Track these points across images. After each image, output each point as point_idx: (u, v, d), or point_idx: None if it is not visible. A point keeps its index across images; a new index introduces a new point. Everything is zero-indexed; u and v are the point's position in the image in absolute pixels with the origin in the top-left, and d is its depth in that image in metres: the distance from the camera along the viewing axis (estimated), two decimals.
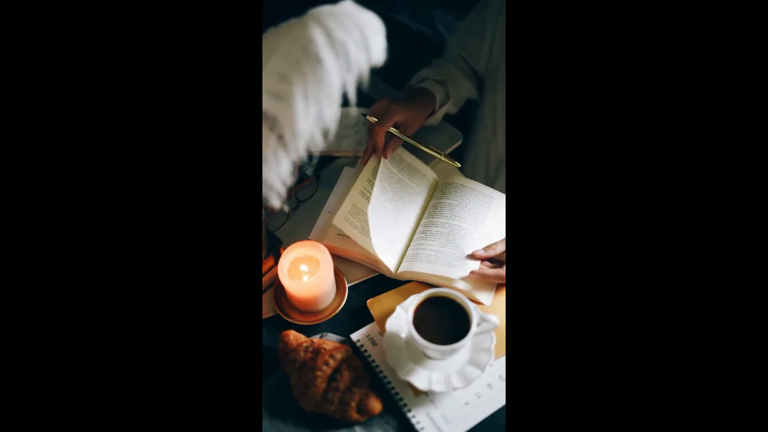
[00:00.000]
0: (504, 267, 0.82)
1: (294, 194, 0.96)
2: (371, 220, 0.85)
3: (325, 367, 0.71)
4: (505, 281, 0.82)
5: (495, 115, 1.09)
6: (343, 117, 1.06)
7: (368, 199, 0.89)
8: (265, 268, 0.84)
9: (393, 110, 0.91)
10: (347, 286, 0.86)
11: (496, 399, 0.73)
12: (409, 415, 0.72)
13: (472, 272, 0.82)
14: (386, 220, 0.89)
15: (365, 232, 0.87)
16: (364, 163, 0.94)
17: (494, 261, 0.84)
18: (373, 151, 0.94)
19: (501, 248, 0.83)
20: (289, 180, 0.58)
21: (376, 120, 0.92)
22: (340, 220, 0.86)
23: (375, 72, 0.55)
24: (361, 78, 0.54)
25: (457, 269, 0.83)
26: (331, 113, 0.54)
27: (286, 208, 0.90)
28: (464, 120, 1.15)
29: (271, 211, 0.92)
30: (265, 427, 0.72)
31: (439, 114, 1.03)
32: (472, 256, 0.83)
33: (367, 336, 0.80)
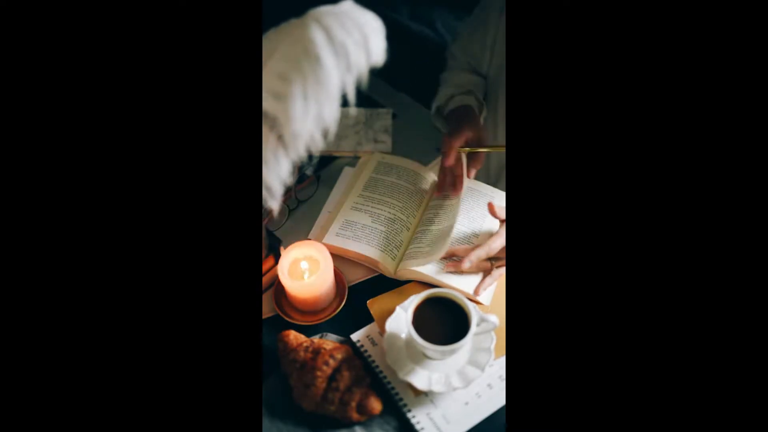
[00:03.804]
0: (500, 264, 0.81)
1: (294, 194, 0.96)
2: (356, 229, 0.88)
3: (325, 367, 0.71)
4: (504, 277, 0.82)
5: (496, 120, 1.09)
6: (343, 117, 1.06)
7: (360, 212, 0.91)
8: (265, 268, 0.84)
9: (461, 131, 0.89)
10: (347, 286, 0.86)
11: (496, 399, 0.73)
12: (409, 415, 0.72)
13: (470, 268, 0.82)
14: (380, 225, 0.90)
15: (359, 239, 0.88)
16: (458, 194, 0.90)
17: (494, 260, 0.84)
18: (451, 179, 0.90)
19: (498, 244, 0.83)
20: (289, 180, 0.58)
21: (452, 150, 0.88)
22: (331, 237, 0.89)
23: (375, 72, 0.55)
24: (361, 78, 0.54)
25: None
26: (331, 113, 0.54)
27: (283, 219, 0.91)
28: None
29: (272, 212, 0.92)
30: (265, 427, 0.72)
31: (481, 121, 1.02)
32: (469, 258, 0.83)
33: (367, 336, 0.80)
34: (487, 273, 0.83)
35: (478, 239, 0.87)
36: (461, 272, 0.83)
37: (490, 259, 0.84)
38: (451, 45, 1.13)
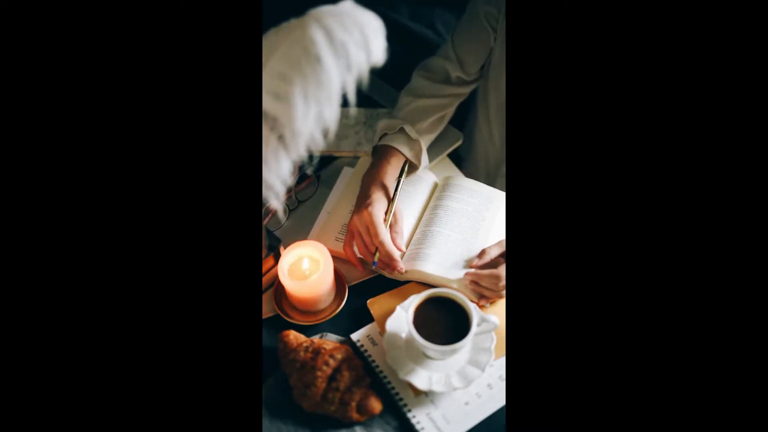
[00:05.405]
0: (501, 279, 0.79)
1: (294, 194, 0.96)
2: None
3: (325, 367, 0.71)
4: (503, 292, 0.80)
5: (489, 117, 1.08)
6: (343, 117, 1.06)
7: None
8: (265, 268, 0.84)
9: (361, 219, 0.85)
10: (347, 286, 0.86)
11: (496, 399, 0.73)
12: (409, 415, 0.72)
13: (471, 281, 0.81)
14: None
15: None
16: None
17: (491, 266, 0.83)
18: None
19: (495, 252, 0.82)
20: (290, 180, 0.58)
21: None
22: (330, 240, 0.89)
23: (375, 72, 0.55)
24: (361, 78, 0.54)
25: (456, 270, 0.83)
26: (331, 113, 0.54)
27: (283, 218, 0.90)
28: (465, 120, 1.15)
29: (271, 211, 0.92)
30: (265, 427, 0.72)
31: (423, 157, 0.94)
32: (468, 266, 0.83)
33: (367, 336, 0.80)
34: (497, 294, 0.81)
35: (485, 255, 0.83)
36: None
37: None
38: (447, 44, 0.99)
